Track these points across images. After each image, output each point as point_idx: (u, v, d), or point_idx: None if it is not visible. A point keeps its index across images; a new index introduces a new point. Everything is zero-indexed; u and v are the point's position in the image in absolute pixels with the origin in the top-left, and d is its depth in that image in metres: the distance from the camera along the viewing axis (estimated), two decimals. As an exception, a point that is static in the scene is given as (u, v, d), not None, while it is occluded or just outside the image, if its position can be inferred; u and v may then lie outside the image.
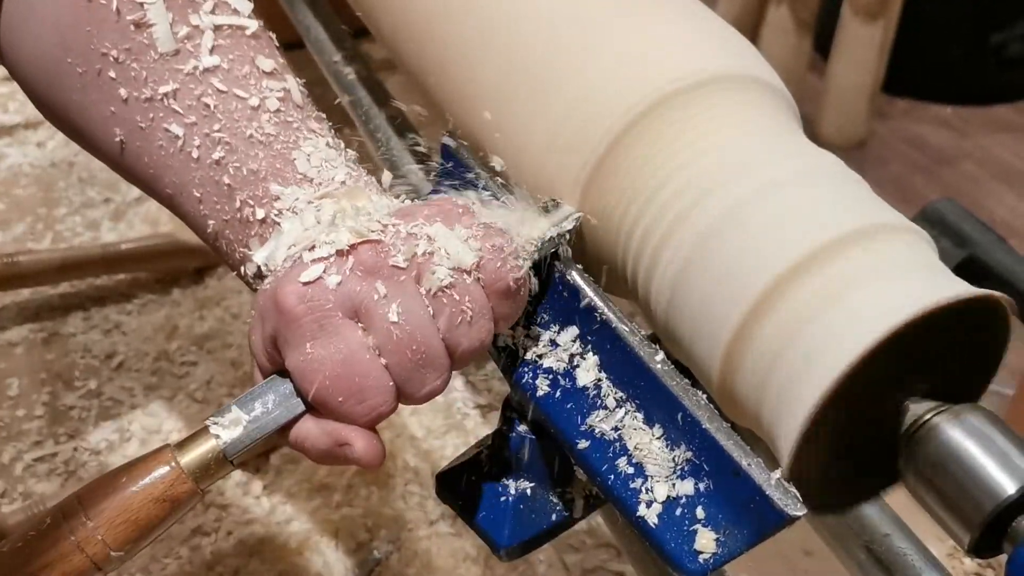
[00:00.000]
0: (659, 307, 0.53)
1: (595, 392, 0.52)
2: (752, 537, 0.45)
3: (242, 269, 0.54)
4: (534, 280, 0.53)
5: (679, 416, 0.48)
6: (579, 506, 0.60)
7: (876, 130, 2.02)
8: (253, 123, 0.54)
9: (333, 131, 0.57)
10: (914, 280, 0.46)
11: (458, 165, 0.57)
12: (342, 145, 0.56)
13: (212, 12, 0.55)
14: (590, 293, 0.53)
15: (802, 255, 0.47)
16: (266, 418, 0.49)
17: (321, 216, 0.51)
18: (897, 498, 0.53)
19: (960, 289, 0.46)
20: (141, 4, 0.54)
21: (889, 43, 1.92)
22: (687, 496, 0.46)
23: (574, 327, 0.54)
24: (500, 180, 0.57)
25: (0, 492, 1.22)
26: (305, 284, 0.47)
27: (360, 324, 0.48)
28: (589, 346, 0.53)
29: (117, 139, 0.56)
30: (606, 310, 0.52)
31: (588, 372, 0.52)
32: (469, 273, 0.49)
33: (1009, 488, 0.44)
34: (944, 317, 0.45)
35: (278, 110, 0.55)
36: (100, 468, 1.25)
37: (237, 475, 1.26)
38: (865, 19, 1.89)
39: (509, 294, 0.50)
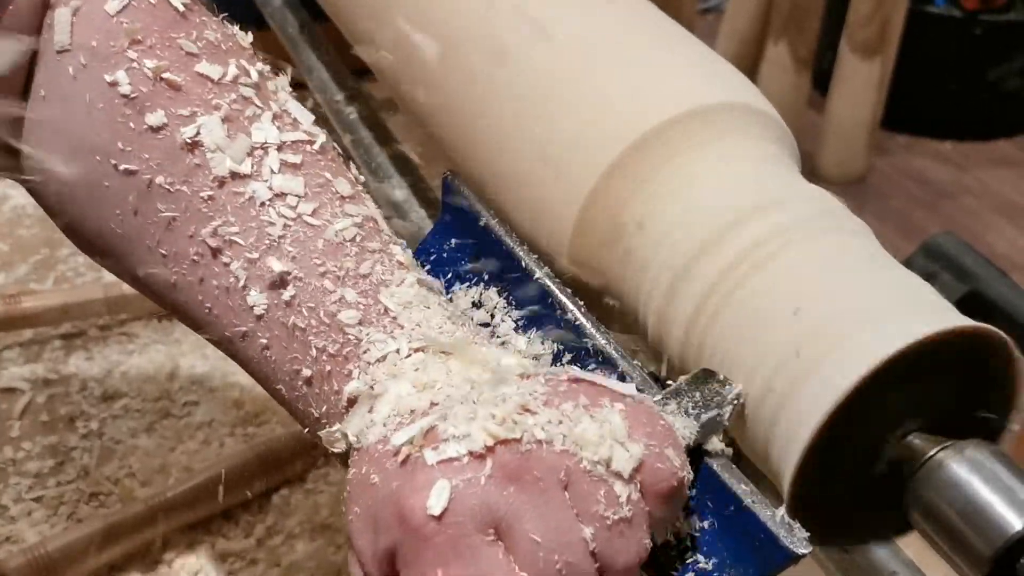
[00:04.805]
0: (672, 351, 0.53)
1: None
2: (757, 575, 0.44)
3: (323, 437, 0.45)
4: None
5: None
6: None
7: (876, 165, 2.03)
8: (329, 257, 0.46)
9: (419, 264, 0.49)
10: (904, 319, 0.46)
11: (460, 202, 0.57)
12: (435, 283, 0.49)
13: (273, 123, 0.48)
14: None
15: (800, 314, 0.47)
16: None
17: (424, 378, 0.43)
18: (905, 536, 0.52)
19: (948, 322, 0.45)
20: (191, 117, 0.47)
21: (888, 79, 1.94)
22: (689, 534, 0.46)
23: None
24: (506, 223, 0.57)
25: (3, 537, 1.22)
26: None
27: (499, 541, 0.39)
28: None
29: (165, 275, 0.48)
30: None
31: None
32: (629, 476, 0.40)
33: (1016, 524, 0.44)
34: (941, 351, 0.45)
35: (355, 238, 0.47)
36: (102, 510, 1.24)
37: (241, 517, 1.25)
38: (864, 55, 1.90)
39: (671, 496, 0.42)
